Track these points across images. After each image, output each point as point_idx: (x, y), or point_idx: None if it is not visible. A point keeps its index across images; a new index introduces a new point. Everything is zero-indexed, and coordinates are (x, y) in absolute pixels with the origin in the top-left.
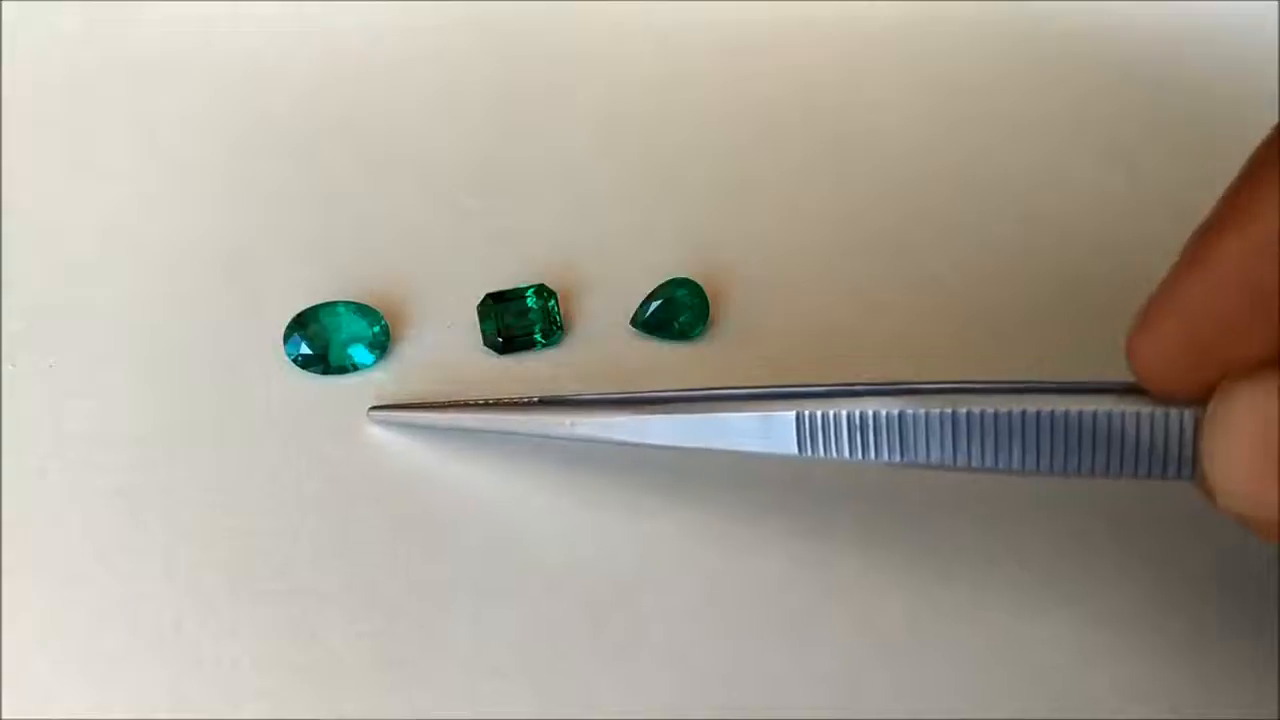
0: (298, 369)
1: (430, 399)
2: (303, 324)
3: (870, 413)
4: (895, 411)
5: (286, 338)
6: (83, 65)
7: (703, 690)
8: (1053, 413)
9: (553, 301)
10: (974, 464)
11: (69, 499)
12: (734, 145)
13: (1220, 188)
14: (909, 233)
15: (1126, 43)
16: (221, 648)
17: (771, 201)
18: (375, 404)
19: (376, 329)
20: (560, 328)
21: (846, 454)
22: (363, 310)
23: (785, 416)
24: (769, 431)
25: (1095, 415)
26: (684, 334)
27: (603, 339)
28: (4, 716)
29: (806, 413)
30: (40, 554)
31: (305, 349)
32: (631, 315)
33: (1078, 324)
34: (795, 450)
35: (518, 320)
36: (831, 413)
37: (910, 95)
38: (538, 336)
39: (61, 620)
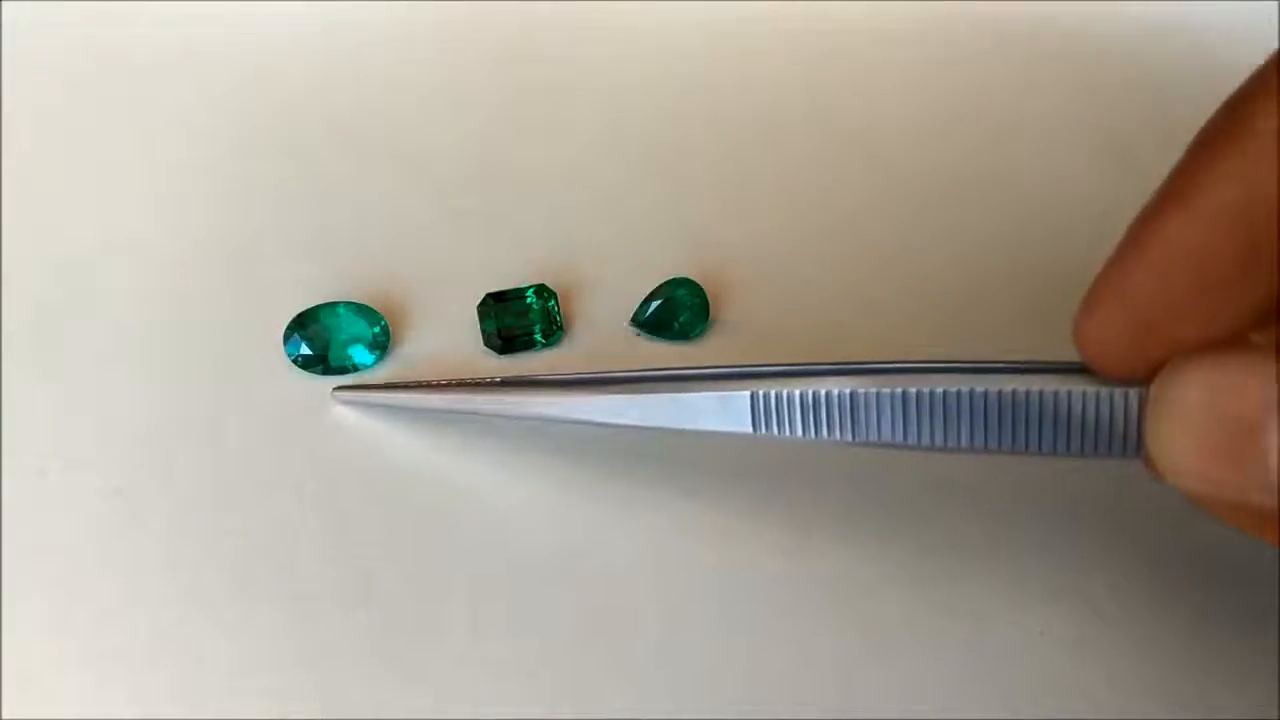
0: (298, 369)
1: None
2: (303, 324)
3: (823, 392)
4: (847, 391)
5: (286, 338)
6: (82, 65)
7: (698, 686)
8: (1000, 392)
9: (553, 301)
10: (924, 443)
11: (69, 499)
12: (734, 145)
13: None
14: (908, 232)
15: (1126, 43)
16: (221, 647)
17: (771, 201)
18: (339, 386)
19: (376, 329)
20: (560, 327)
21: (800, 433)
22: (363, 310)
23: (740, 396)
24: (726, 411)
25: (1042, 394)
26: (684, 334)
27: (603, 339)
28: (4, 717)
29: (761, 392)
30: (40, 554)
31: (305, 349)
32: (631, 315)
33: None
34: (750, 429)
35: (518, 320)
36: (785, 392)
37: (910, 95)
38: (538, 336)
39: (61, 620)
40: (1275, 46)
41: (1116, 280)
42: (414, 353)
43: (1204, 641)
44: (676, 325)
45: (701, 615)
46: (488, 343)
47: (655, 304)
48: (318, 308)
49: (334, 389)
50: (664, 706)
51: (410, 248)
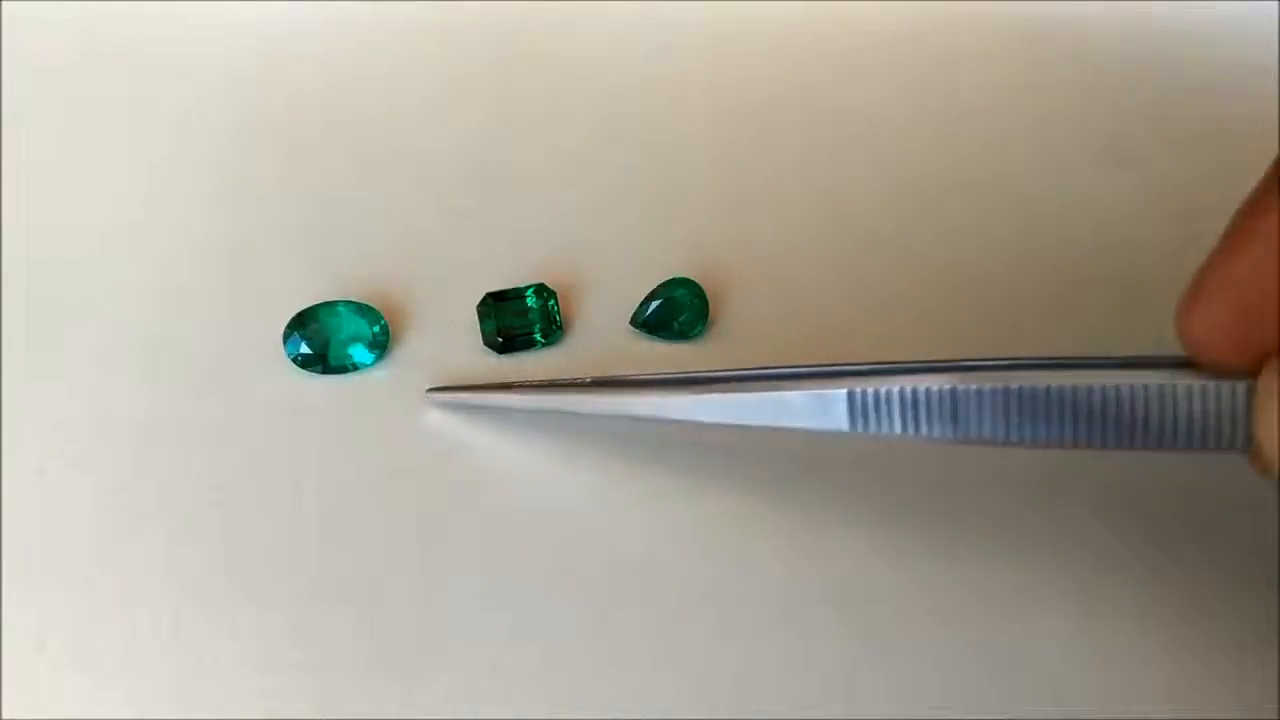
0: (298, 369)
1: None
2: (302, 324)
3: (923, 389)
4: (948, 388)
5: (286, 337)
6: (82, 65)
7: (701, 690)
8: (1103, 387)
9: (552, 301)
10: (1026, 439)
11: (69, 499)
12: (734, 145)
13: (1220, 186)
14: (908, 232)
15: (1126, 43)
16: (221, 648)
17: (771, 201)
18: (432, 386)
19: (376, 329)
20: (560, 327)
21: (899, 430)
22: (362, 310)
23: (837, 394)
24: (822, 409)
25: (1147, 389)
26: (684, 334)
27: (603, 339)
28: (4, 716)
29: (859, 390)
30: (40, 554)
31: (305, 348)
32: (631, 315)
33: (1077, 323)
34: (847, 427)
35: (517, 320)
36: (884, 389)
37: (910, 95)
38: (537, 336)
39: (61, 620)
40: (1275, 46)
41: (1221, 271)
42: (414, 352)
43: (1205, 643)
44: (676, 325)
45: (704, 621)
46: (488, 342)
47: (655, 304)
48: (317, 307)
49: (427, 390)
50: (668, 710)
51: (410, 248)
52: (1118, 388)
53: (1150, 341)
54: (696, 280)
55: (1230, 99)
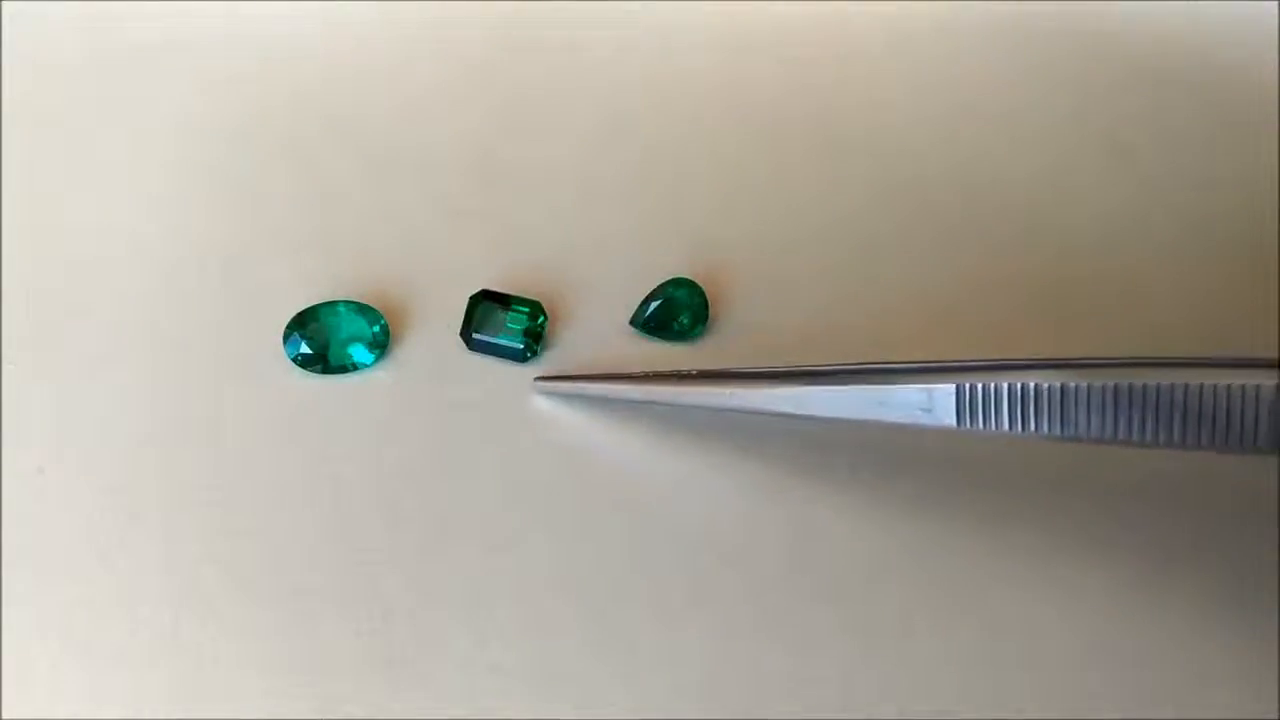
0: (298, 369)
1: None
2: (302, 323)
3: (1031, 385)
4: (1057, 384)
5: (286, 337)
6: (82, 64)
7: (701, 690)
8: (1215, 387)
9: (542, 319)
10: (1134, 438)
11: (69, 499)
12: (734, 145)
13: (1221, 187)
14: (909, 233)
15: (1126, 43)
16: (221, 648)
17: (771, 201)
18: (541, 375)
19: (376, 328)
20: (539, 349)
21: (1006, 426)
22: (362, 309)
23: (945, 389)
24: (929, 405)
25: (1259, 390)
26: (684, 334)
27: (602, 339)
28: (4, 717)
29: (967, 385)
30: (40, 554)
31: (305, 348)
32: (631, 315)
33: (1079, 324)
34: (954, 423)
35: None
36: (993, 385)
37: (910, 95)
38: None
39: (61, 620)
40: (1275, 46)
41: None
42: (414, 352)
43: (1205, 643)
44: (676, 326)
45: (702, 620)
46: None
47: (655, 304)
48: (317, 306)
49: (535, 379)
50: (666, 711)
51: (410, 248)
52: (1228, 388)
53: (1151, 342)
54: (697, 280)
55: (1230, 99)
